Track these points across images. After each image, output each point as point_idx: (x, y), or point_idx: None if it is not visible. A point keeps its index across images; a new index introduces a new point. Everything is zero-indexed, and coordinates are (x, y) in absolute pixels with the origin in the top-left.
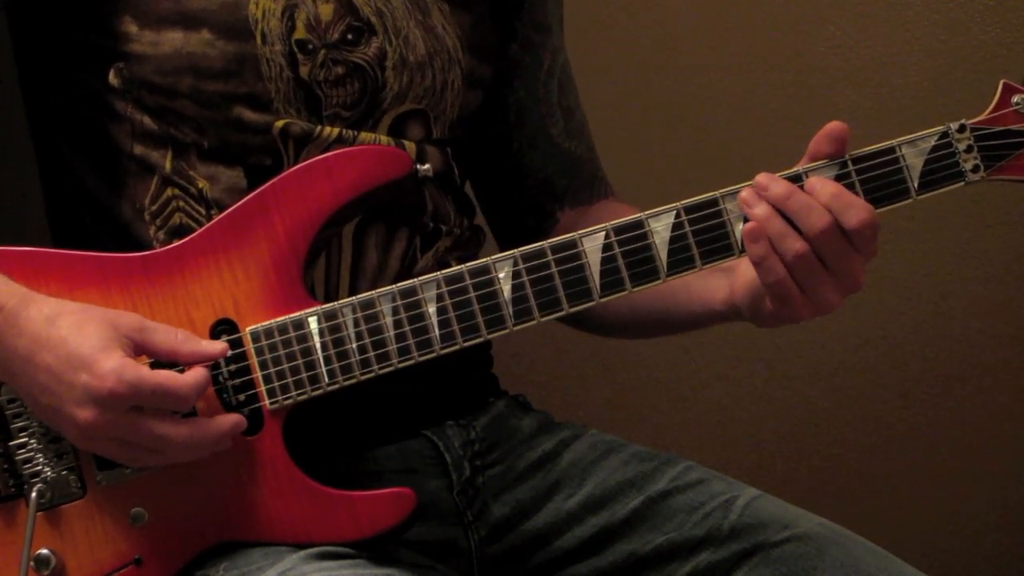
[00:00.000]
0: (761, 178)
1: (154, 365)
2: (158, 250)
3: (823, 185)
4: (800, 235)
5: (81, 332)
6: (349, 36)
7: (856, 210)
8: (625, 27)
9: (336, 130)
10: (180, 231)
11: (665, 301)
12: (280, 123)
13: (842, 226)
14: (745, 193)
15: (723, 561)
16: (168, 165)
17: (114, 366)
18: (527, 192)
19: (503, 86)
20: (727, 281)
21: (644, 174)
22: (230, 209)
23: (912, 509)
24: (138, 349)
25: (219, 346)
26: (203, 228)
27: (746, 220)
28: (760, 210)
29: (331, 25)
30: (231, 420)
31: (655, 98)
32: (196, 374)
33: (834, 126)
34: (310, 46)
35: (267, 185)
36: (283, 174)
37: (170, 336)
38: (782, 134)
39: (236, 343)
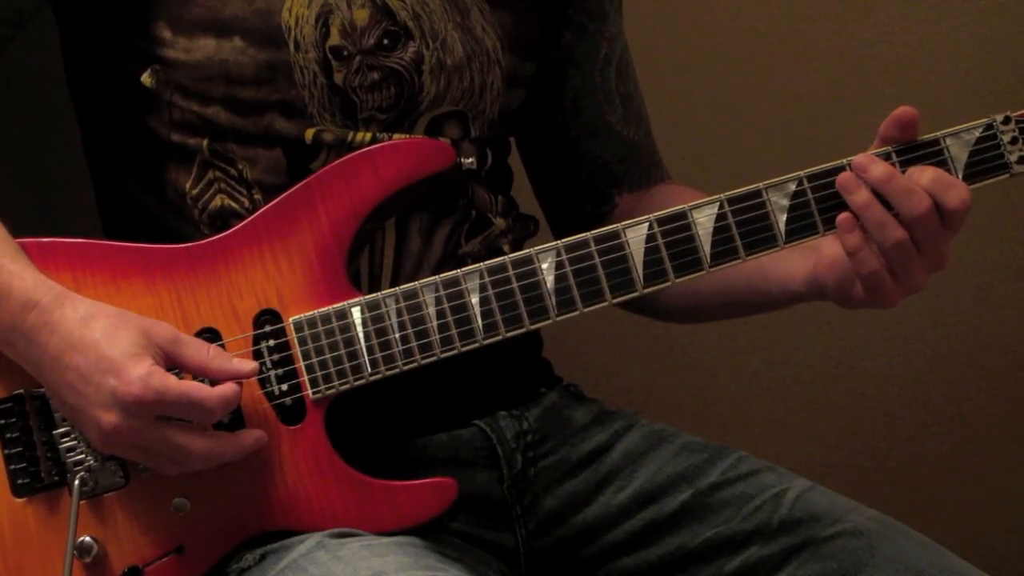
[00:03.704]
0: (861, 159)
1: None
2: (202, 241)
3: (922, 171)
4: (900, 223)
5: (114, 336)
6: (385, 41)
7: (957, 190)
8: (668, 15)
9: (369, 135)
10: (223, 213)
11: (738, 283)
12: (311, 131)
13: (941, 207)
14: (844, 177)
15: (772, 556)
16: (206, 149)
17: (142, 373)
18: (585, 178)
19: (558, 75)
20: (809, 262)
21: (687, 165)
22: (275, 200)
23: (967, 502)
24: (169, 360)
25: (250, 365)
26: (247, 219)
27: (835, 208)
28: (861, 196)
29: (367, 30)
30: (253, 436)
31: (698, 87)
32: (225, 389)
33: (902, 111)
34: (345, 52)
35: (312, 177)
36: (328, 166)
37: (202, 351)
38: (828, 122)
39: (279, 333)
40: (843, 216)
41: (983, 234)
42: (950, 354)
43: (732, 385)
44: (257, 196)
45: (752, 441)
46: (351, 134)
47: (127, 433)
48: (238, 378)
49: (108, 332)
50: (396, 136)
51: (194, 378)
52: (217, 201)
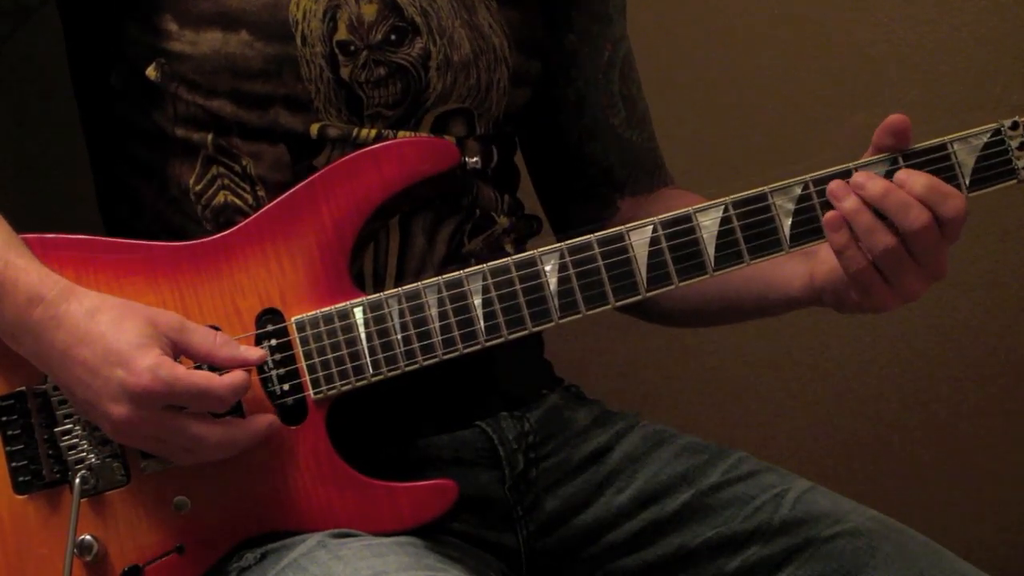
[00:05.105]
0: (859, 178)
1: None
2: (205, 240)
3: (916, 177)
4: (889, 229)
5: (120, 328)
6: (392, 37)
7: (953, 200)
8: (668, 13)
9: (374, 131)
10: (226, 209)
11: (738, 288)
12: (316, 126)
13: (938, 217)
14: (833, 186)
15: (773, 556)
16: (211, 144)
17: (150, 364)
18: (587, 181)
19: (561, 77)
20: (807, 267)
21: (688, 165)
22: (278, 199)
23: (967, 502)
24: (176, 348)
25: (257, 352)
26: (250, 218)
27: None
28: (848, 204)
29: (374, 26)
30: (265, 420)
31: (698, 86)
32: (234, 377)
33: (894, 119)
34: (352, 47)
35: (315, 176)
36: (332, 165)
37: (208, 338)
38: (828, 122)
39: (281, 332)
40: (830, 215)
41: (982, 234)
42: (952, 355)
43: (733, 386)
44: (260, 193)
45: (753, 442)
46: (356, 130)
47: (138, 424)
48: (245, 365)
49: (114, 324)
50: (401, 134)
51: (199, 366)
52: (220, 197)
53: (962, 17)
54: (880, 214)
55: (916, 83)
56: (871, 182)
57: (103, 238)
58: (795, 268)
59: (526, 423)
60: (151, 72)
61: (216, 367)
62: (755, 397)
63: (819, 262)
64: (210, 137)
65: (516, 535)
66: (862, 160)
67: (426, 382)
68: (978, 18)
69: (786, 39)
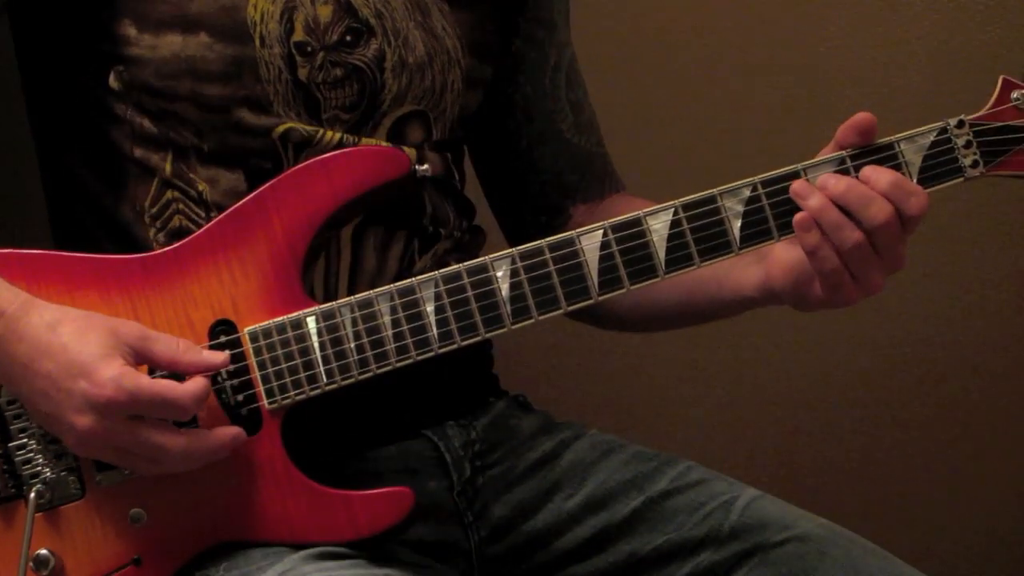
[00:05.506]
0: (821, 177)
1: (154, 373)
2: (157, 252)
3: (880, 174)
4: (856, 225)
5: (82, 339)
6: (348, 38)
7: (917, 198)
8: (626, 27)
9: (337, 135)
10: (180, 233)
11: (692, 291)
12: (281, 128)
13: (901, 214)
14: (797, 185)
15: (723, 561)
16: (168, 168)
17: (113, 374)
18: (538, 189)
19: (509, 83)
20: (760, 267)
21: (643, 174)
22: (229, 210)
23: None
24: (139, 358)
25: (220, 356)
26: (202, 229)
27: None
28: (814, 201)
29: (330, 27)
30: (231, 432)
31: (654, 98)
32: (196, 384)
33: (861, 117)
34: (309, 48)
35: (266, 186)
36: (282, 175)
37: (171, 346)
38: (782, 134)
39: (235, 343)
40: (800, 216)
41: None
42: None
43: (684, 399)
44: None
45: (704, 455)
46: (319, 133)
47: (103, 435)
48: (210, 370)
49: (76, 335)
50: (363, 140)
51: (152, 372)
52: (175, 222)
53: (913, 32)
54: (844, 211)
55: (869, 96)
56: (833, 179)
57: (54, 252)
58: (747, 270)
59: (472, 431)
60: (112, 82)
61: (180, 374)
62: (706, 408)
63: (772, 263)
64: (169, 158)
65: (468, 541)
66: (811, 161)
67: (374, 393)
68: (929, 32)
69: (739, 55)
